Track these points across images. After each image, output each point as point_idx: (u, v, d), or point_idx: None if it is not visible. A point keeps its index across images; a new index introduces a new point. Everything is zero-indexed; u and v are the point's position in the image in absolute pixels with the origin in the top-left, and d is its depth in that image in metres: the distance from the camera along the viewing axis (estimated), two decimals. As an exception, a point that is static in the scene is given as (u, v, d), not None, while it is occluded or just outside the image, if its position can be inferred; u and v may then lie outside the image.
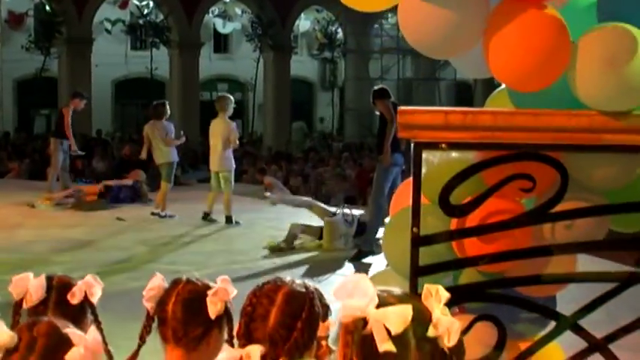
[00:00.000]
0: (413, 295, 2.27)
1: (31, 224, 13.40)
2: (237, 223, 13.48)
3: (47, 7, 31.86)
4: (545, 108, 3.41)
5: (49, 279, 3.23)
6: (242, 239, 11.88)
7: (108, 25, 37.04)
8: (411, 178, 3.49)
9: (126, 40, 38.59)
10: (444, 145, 3.30)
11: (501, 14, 3.35)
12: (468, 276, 3.61)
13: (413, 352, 2.16)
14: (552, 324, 3.66)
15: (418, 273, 3.33)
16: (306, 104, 43.53)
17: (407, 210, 3.43)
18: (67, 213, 14.81)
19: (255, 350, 2.73)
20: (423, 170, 3.34)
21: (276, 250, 11.18)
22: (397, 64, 36.68)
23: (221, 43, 42.03)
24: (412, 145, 3.29)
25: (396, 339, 2.13)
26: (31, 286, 3.16)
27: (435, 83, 36.68)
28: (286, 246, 11.31)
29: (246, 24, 37.63)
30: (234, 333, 2.91)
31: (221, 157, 13.41)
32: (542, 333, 3.74)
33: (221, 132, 13.39)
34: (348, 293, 2.17)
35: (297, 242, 11.63)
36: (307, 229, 11.85)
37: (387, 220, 4.15)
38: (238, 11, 39.01)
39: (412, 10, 3.36)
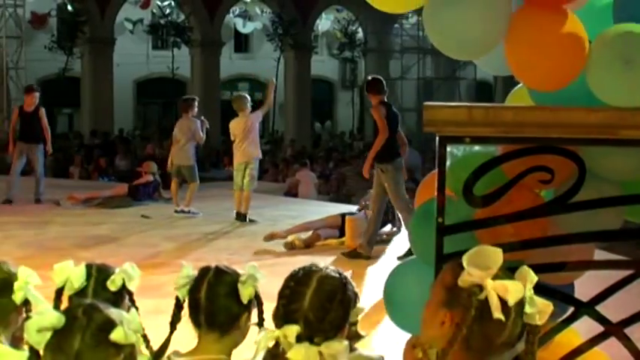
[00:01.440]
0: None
1: (58, 221, 13.66)
2: (251, 221, 13.65)
3: (70, 8, 32.13)
4: (564, 104, 3.60)
5: (89, 267, 3.40)
6: (262, 235, 11.93)
7: (129, 25, 37.29)
8: (435, 171, 3.67)
9: (147, 40, 38.80)
10: (467, 140, 3.48)
11: (522, 17, 3.54)
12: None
13: (510, 324, 2.45)
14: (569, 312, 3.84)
15: (443, 261, 3.50)
16: (326, 103, 43.67)
17: (432, 201, 3.61)
18: (92, 211, 15.05)
19: (292, 330, 2.90)
20: (448, 163, 3.51)
21: (289, 247, 11.38)
22: (417, 64, 36.72)
23: (242, 43, 42.22)
24: (437, 138, 3.47)
25: (503, 310, 2.44)
26: (71, 273, 3.34)
27: (456, 83, 36.72)
28: (303, 245, 11.47)
29: (267, 23, 37.79)
30: (271, 315, 3.08)
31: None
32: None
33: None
34: (475, 261, 2.43)
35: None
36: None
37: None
38: (259, 11, 39.17)
39: (437, 12, 3.55)
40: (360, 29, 38.61)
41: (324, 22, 39.69)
